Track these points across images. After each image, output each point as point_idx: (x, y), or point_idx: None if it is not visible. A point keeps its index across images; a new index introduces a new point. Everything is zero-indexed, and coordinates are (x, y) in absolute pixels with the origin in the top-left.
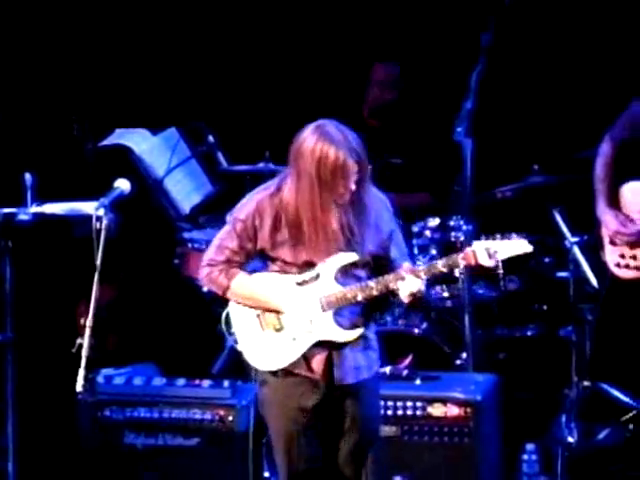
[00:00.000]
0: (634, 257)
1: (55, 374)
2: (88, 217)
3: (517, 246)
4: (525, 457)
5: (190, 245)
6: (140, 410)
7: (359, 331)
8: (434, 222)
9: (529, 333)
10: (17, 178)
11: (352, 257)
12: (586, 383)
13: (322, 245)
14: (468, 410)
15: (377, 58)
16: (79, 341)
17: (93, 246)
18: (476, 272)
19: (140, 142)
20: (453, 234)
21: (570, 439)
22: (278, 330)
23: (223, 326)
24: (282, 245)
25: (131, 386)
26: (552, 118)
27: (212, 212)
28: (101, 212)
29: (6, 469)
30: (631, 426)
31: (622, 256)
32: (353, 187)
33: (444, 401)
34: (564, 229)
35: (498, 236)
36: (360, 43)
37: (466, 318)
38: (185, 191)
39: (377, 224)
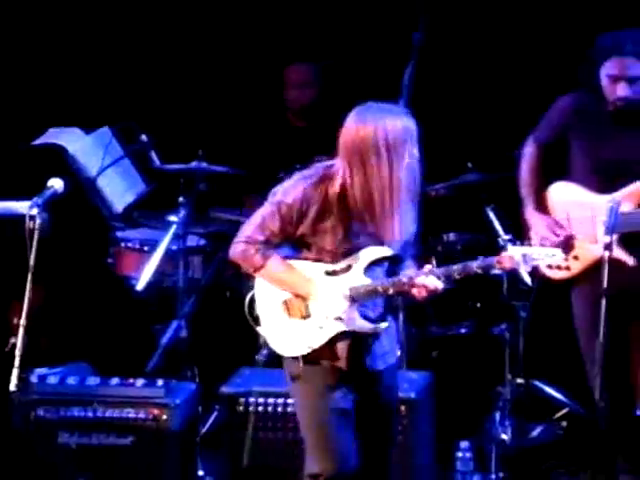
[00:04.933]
0: (564, 258)
1: None
2: (21, 216)
3: (550, 254)
4: (459, 455)
5: (123, 244)
6: (74, 409)
7: (385, 324)
8: None
9: (462, 331)
10: None
11: (386, 252)
12: (519, 381)
13: (383, 231)
14: (402, 408)
15: (309, 57)
16: (12, 340)
17: (26, 245)
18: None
19: (73, 141)
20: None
21: (504, 436)
22: (304, 317)
23: (246, 311)
24: (325, 233)
25: (65, 385)
26: (485, 116)
27: (145, 211)
28: (34, 211)
29: None
30: (564, 423)
31: None
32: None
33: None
34: (498, 227)
35: (533, 242)
36: (293, 42)
37: (400, 316)
38: (118, 190)
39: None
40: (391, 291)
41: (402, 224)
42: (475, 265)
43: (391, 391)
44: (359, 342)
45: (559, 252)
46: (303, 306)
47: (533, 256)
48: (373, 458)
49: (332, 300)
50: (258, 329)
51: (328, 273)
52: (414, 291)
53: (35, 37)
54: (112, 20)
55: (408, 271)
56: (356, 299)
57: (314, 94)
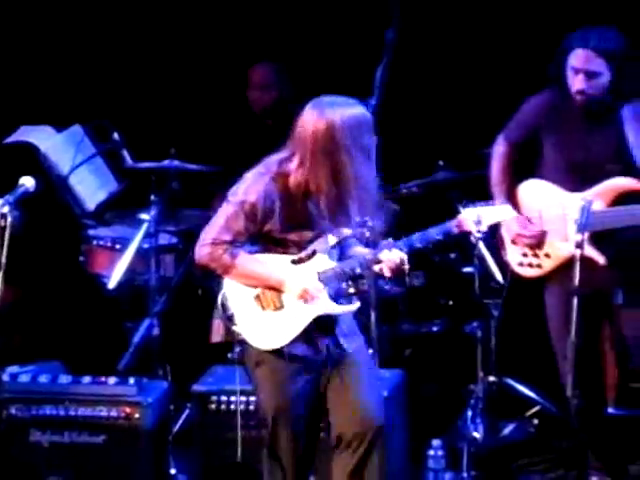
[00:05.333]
0: (536, 255)
1: None
2: None
3: (502, 212)
4: (431, 453)
5: (95, 242)
6: (46, 408)
7: (357, 304)
8: None
9: (435, 329)
10: None
11: (346, 232)
12: (491, 378)
13: (342, 218)
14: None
15: (280, 55)
16: None
17: None
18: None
19: (45, 139)
20: (359, 230)
21: (476, 434)
22: (278, 308)
23: (220, 309)
24: (290, 225)
25: (37, 384)
26: (457, 114)
27: (117, 209)
28: (5, 209)
29: None
30: (536, 421)
31: (524, 255)
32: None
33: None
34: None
35: (482, 203)
36: (263, 40)
37: (372, 314)
38: (90, 188)
39: None
40: (358, 270)
41: (361, 207)
42: (434, 232)
43: (359, 368)
44: (330, 327)
45: (509, 208)
46: (276, 298)
47: (486, 214)
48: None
49: (300, 288)
50: (233, 328)
51: (294, 262)
52: (382, 267)
53: (5, 35)
54: (84, 19)
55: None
56: (325, 283)
57: (275, 96)
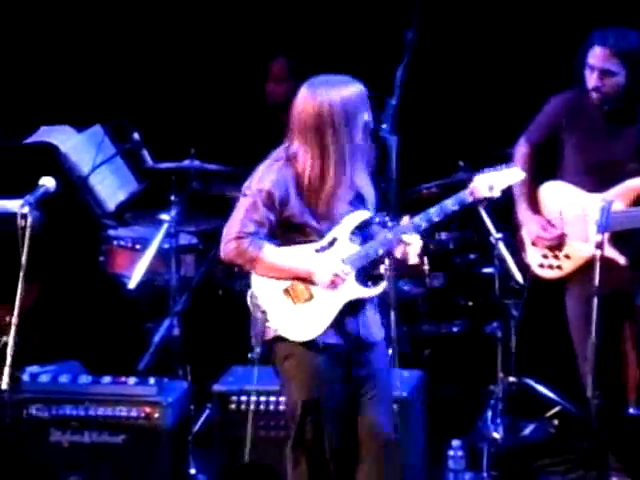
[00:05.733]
0: (556, 257)
1: None
2: (13, 215)
3: (511, 174)
4: (451, 453)
5: (115, 242)
6: (66, 408)
7: (383, 285)
8: None
9: (455, 329)
10: None
11: (365, 215)
12: (511, 379)
13: (343, 202)
14: (394, 407)
15: (300, 54)
16: (4, 339)
17: (18, 244)
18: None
19: (65, 140)
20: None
21: (496, 435)
22: (308, 300)
23: (251, 307)
24: (306, 210)
25: (57, 384)
26: (477, 114)
27: (137, 209)
28: (26, 210)
29: None
30: (556, 422)
31: (545, 256)
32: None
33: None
34: (489, 225)
35: (490, 169)
36: (284, 39)
37: (392, 314)
38: (110, 188)
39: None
40: (381, 251)
41: (366, 184)
42: (450, 203)
43: (377, 364)
44: (360, 314)
45: (517, 170)
46: (305, 289)
47: (498, 179)
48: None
49: (330, 274)
50: (268, 324)
51: (317, 251)
52: (407, 252)
53: (26, 36)
54: (104, 19)
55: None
56: (352, 268)
57: (287, 90)
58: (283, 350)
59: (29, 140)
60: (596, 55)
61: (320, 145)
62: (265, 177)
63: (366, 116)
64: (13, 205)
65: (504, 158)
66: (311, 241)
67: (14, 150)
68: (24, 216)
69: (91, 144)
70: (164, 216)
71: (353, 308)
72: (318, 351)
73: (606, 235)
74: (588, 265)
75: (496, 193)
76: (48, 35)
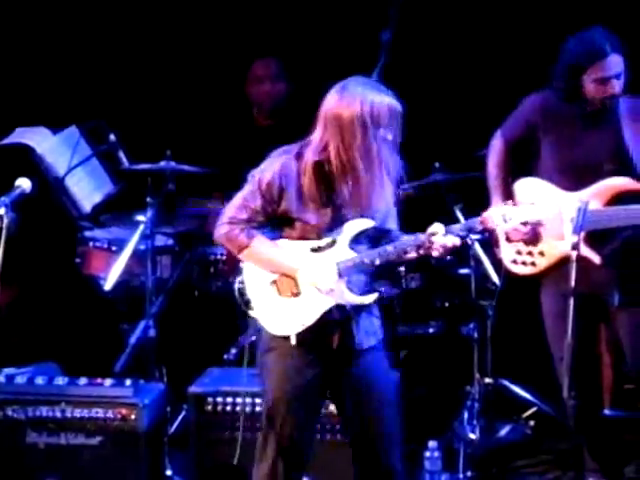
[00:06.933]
0: (530, 253)
1: None
2: None
3: (529, 212)
4: (427, 454)
5: (91, 244)
6: (42, 409)
7: (374, 296)
8: None
9: (431, 330)
10: None
11: (369, 223)
12: (488, 380)
13: (361, 200)
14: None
15: (275, 55)
16: None
17: None
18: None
19: (41, 141)
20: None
21: (472, 436)
22: (295, 295)
23: (237, 298)
24: (307, 207)
25: (33, 385)
26: (453, 116)
27: (113, 211)
28: (2, 211)
29: None
30: (532, 422)
31: (518, 252)
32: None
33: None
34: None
35: (510, 202)
36: (259, 39)
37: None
38: (86, 190)
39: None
40: (377, 262)
41: (381, 195)
42: (458, 227)
43: (372, 372)
44: (346, 319)
45: (537, 209)
46: (293, 284)
47: (511, 215)
48: (359, 440)
49: (320, 275)
50: (250, 313)
51: (314, 250)
52: (432, 247)
53: (1, 36)
54: (80, 19)
55: (404, 237)
56: (343, 273)
57: (281, 88)
58: (267, 341)
59: (4, 141)
60: (606, 66)
61: (346, 141)
62: (268, 167)
63: (395, 133)
64: None
65: (481, 160)
66: (309, 239)
67: None
68: (0, 217)
69: (67, 145)
70: (140, 217)
71: (342, 312)
72: (293, 348)
73: (582, 234)
74: (562, 263)
75: (508, 226)
76: (24, 36)
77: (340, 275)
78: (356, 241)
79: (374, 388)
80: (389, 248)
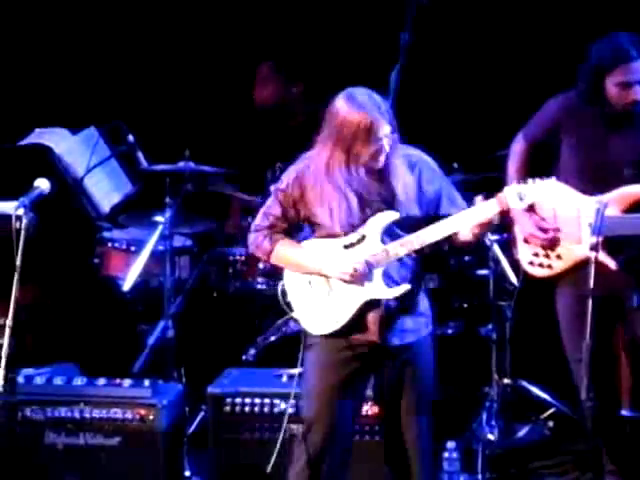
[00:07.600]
0: (547, 256)
1: None
2: (8, 217)
3: (545, 188)
4: (446, 455)
5: (110, 244)
6: (61, 410)
7: (404, 287)
8: None
9: (449, 331)
10: None
11: (393, 215)
12: (506, 381)
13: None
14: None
15: (295, 57)
16: None
17: (13, 246)
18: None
19: (60, 141)
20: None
21: (490, 437)
22: (329, 293)
23: (280, 298)
24: (324, 209)
25: (52, 386)
26: (472, 117)
27: (132, 211)
28: (21, 212)
29: None
30: (550, 423)
31: (535, 254)
32: (387, 148)
33: (365, 400)
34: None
35: (529, 180)
36: (279, 41)
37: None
38: (105, 190)
39: (420, 184)
40: (401, 253)
41: (400, 184)
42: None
43: (415, 370)
44: (382, 316)
45: (553, 182)
46: (326, 283)
47: (527, 192)
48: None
49: (339, 272)
50: (292, 314)
51: (346, 246)
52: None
53: (21, 38)
54: (99, 21)
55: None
56: (376, 266)
57: (269, 91)
58: (309, 339)
59: (23, 142)
60: (629, 72)
61: (350, 149)
62: (286, 175)
63: (366, 150)
64: (8, 207)
65: (499, 161)
66: (336, 237)
67: (8, 152)
68: (19, 218)
69: (86, 146)
70: (159, 218)
71: (376, 308)
72: (328, 346)
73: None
74: (579, 266)
75: (525, 204)
76: (43, 38)
77: (372, 268)
78: (388, 233)
79: (406, 390)
80: (410, 237)
